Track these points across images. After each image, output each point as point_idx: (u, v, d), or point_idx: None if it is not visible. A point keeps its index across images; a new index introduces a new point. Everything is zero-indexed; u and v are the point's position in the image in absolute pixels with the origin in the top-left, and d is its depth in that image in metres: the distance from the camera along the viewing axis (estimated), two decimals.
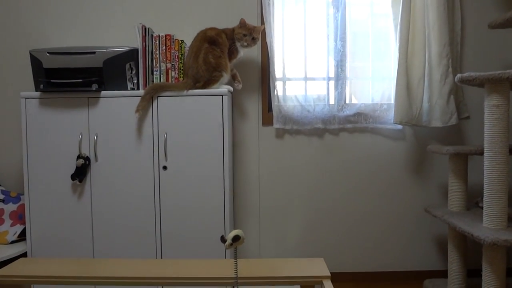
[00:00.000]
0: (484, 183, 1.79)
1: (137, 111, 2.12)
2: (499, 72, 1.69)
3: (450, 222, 1.97)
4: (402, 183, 2.58)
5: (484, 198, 1.80)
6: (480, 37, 2.54)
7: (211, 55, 2.20)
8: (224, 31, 2.32)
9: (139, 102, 2.13)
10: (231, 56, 2.33)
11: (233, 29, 2.32)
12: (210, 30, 2.28)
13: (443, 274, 2.57)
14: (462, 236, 2.14)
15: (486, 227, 1.79)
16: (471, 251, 2.52)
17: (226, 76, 2.25)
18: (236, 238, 1.32)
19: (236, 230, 1.34)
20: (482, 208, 2.07)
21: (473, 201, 2.38)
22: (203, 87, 2.19)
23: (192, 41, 2.27)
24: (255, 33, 2.27)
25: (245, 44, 2.28)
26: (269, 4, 2.41)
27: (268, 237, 2.59)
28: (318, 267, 1.62)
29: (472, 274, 2.51)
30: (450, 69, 2.38)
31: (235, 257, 1.36)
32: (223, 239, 1.33)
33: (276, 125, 2.48)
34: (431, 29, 2.37)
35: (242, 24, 2.27)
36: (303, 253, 2.59)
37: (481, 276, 1.81)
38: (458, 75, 1.83)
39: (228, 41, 2.30)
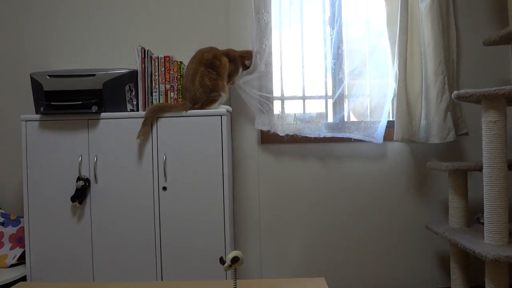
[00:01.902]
0: (484, 199, 1.79)
1: (138, 137, 2.13)
2: (495, 89, 1.70)
3: (451, 239, 1.96)
4: (403, 201, 2.57)
5: (484, 214, 1.80)
6: (475, 54, 2.57)
7: (207, 78, 2.22)
8: (227, 53, 2.33)
9: (140, 128, 2.14)
10: (232, 77, 2.35)
11: (240, 56, 2.37)
12: (207, 53, 2.28)
13: None
14: (464, 252, 2.12)
15: (488, 243, 1.78)
16: (474, 267, 2.50)
17: (224, 96, 2.27)
18: (235, 260, 1.31)
19: (235, 251, 1.33)
20: (483, 224, 2.06)
21: (474, 217, 2.37)
22: (202, 107, 2.21)
23: (189, 62, 2.28)
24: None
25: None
26: (266, 24, 2.44)
27: (269, 256, 2.57)
28: (318, 287, 1.60)
29: None
30: (446, 86, 2.40)
31: (235, 279, 1.36)
32: (222, 261, 1.32)
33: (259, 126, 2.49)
34: (427, 47, 2.40)
35: (251, 55, 2.37)
36: (304, 271, 2.57)
37: None
38: (455, 92, 1.85)
39: (231, 64, 2.32)
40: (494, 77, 2.57)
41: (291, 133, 2.47)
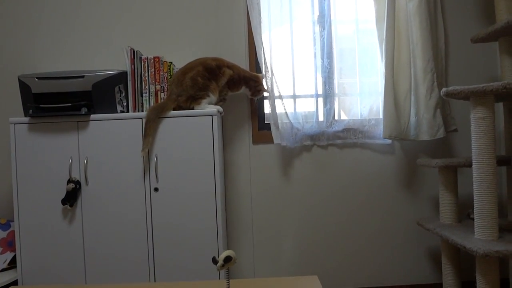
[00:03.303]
0: (474, 194, 1.80)
1: (143, 150, 2.10)
2: (483, 85, 1.72)
3: (442, 235, 1.98)
4: (393, 197, 2.59)
5: (474, 209, 1.82)
6: (463, 52, 2.59)
7: (200, 77, 2.22)
8: (233, 66, 2.35)
9: (144, 141, 2.11)
10: (232, 89, 2.37)
11: (247, 77, 2.37)
12: (212, 60, 2.29)
13: (438, 287, 2.56)
14: (455, 248, 2.14)
15: (478, 238, 1.80)
16: (465, 263, 2.52)
17: (213, 98, 2.26)
18: (227, 259, 1.31)
19: (228, 251, 1.33)
20: (473, 219, 2.08)
21: (464, 213, 2.39)
22: (185, 103, 2.19)
23: (187, 63, 2.28)
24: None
25: (254, 97, 2.46)
26: (258, 24, 2.43)
27: (262, 255, 2.57)
28: (312, 285, 1.61)
29: (467, 286, 2.50)
30: (435, 83, 2.41)
31: (228, 278, 1.36)
32: (214, 261, 1.32)
33: (276, 141, 2.49)
34: (415, 45, 2.42)
35: (259, 81, 2.40)
36: (297, 270, 2.58)
37: None
38: (444, 89, 1.86)
39: (233, 80, 2.33)
40: (482, 74, 2.60)
41: (299, 145, 2.55)
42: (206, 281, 1.71)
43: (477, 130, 1.78)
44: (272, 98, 2.44)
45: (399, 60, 2.43)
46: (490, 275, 1.74)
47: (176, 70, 2.32)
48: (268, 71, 2.44)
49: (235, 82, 2.34)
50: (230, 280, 1.63)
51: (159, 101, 2.32)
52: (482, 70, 2.60)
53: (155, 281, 2.17)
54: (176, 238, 2.16)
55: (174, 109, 2.19)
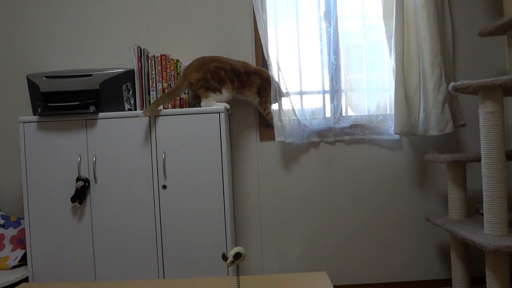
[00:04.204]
0: (483, 189, 1.79)
1: (144, 112, 2.12)
2: (491, 79, 1.71)
3: (451, 230, 1.97)
4: (402, 193, 2.58)
5: (484, 204, 1.81)
6: (471, 46, 2.57)
7: (224, 72, 2.25)
8: (261, 73, 2.40)
9: (150, 106, 2.17)
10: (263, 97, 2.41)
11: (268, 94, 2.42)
12: (242, 65, 2.34)
13: (447, 283, 2.56)
14: (464, 243, 2.13)
15: (488, 233, 1.79)
16: (474, 258, 2.51)
17: (224, 96, 2.26)
18: (237, 256, 1.32)
19: (237, 247, 1.33)
20: (482, 214, 2.07)
21: (473, 208, 2.38)
22: (196, 83, 2.21)
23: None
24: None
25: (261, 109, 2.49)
26: (263, 21, 2.43)
27: (271, 252, 2.58)
28: (321, 281, 1.61)
29: (476, 281, 2.49)
30: (443, 78, 2.40)
31: (237, 275, 1.36)
32: (224, 257, 1.33)
33: (278, 138, 2.48)
34: (423, 40, 2.40)
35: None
36: (306, 266, 2.58)
37: (485, 283, 1.80)
38: (452, 84, 1.85)
39: (259, 89, 2.38)
40: (491, 68, 2.58)
41: (306, 141, 2.55)
42: (215, 277, 1.71)
43: (486, 125, 1.77)
44: (275, 95, 2.44)
45: (408, 55, 2.41)
46: (499, 270, 1.73)
47: (182, 68, 2.33)
48: (271, 68, 2.43)
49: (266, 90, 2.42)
50: (240, 276, 1.64)
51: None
52: (490, 64, 2.58)
53: (164, 277, 2.18)
54: (184, 235, 2.17)
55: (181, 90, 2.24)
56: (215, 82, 2.23)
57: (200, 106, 2.23)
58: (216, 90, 2.23)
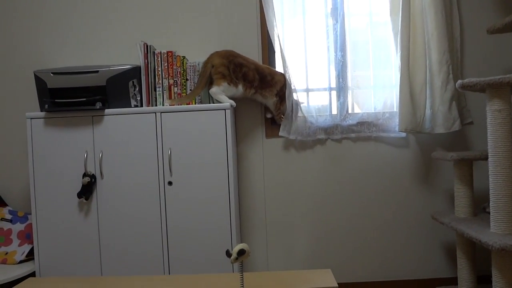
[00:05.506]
0: (490, 188, 1.78)
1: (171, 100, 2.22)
2: (499, 77, 1.69)
3: (457, 229, 1.96)
4: (408, 191, 2.57)
5: (490, 203, 1.80)
6: (479, 43, 2.55)
7: (247, 69, 2.29)
8: (280, 77, 2.43)
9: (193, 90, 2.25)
10: (264, 92, 2.41)
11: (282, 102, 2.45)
12: (268, 69, 2.39)
13: (453, 281, 2.55)
14: (470, 242, 2.12)
15: (494, 232, 1.78)
16: (480, 257, 2.50)
17: (240, 90, 2.29)
18: (241, 252, 1.32)
19: (241, 244, 1.34)
20: (489, 213, 2.06)
21: (480, 207, 2.37)
22: (213, 73, 2.24)
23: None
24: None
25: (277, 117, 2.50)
26: (271, 17, 2.41)
27: (275, 249, 2.58)
28: (325, 279, 1.61)
29: (482, 280, 2.48)
30: (451, 75, 2.38)
31: (241, 271, 1.36)
32: (228, 254, 1.33)
33: (282, 133, 2.48)
34: (430, 37, 2.38)
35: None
36: (310, 263, 2.58)
37: (491, 282, 1.79)
38: (459, 81, 1.84)
39: (284, 86, 2.42)
40: (499, 66, 2.56)
41: (311, 139, 2.54)
42: (219, 274, 1.72)
43: (493, 123, 1.75)
44: (289, 95, 2.44)
45: (414, 53, 2.40)
46: (506, 269, 1.72)
47: (189, 65, 2.33)
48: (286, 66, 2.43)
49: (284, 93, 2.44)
50: (244, 273, 1.64)
51: (173, 96, 2.33)
52: (498, 62, 2.56)
53: (169, 273, 2.19)
54: (190, 231, 2.18)
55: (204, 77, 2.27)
56: (234, 74, 2.25)
57: (209, 91, 2.25)
58: (233, 82, 2.24)
